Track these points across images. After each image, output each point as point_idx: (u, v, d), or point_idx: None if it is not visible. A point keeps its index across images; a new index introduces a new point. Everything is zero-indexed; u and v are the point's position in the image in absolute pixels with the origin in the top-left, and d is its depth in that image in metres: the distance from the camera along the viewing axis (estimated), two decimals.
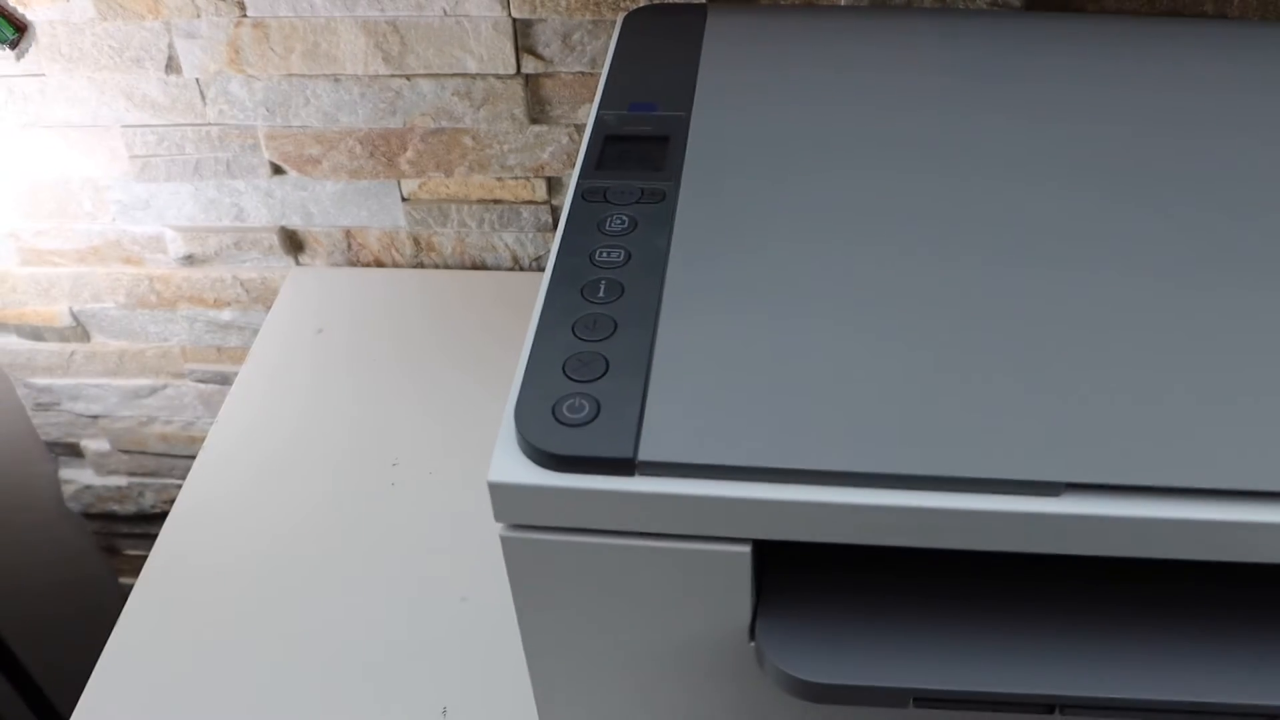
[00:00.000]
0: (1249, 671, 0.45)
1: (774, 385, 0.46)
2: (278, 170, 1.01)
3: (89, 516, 1.34)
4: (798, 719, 0.52)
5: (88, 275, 1.10)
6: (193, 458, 1.23)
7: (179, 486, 1.29)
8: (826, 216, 0.55)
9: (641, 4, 0.85)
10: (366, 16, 0.90)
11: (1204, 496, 0.43)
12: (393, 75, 0.93)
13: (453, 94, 0.94)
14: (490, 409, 0.91)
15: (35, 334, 1.15)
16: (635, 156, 0.60)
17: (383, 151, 0.99)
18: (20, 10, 0.92)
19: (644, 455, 0.44)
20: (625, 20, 0.73)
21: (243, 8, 0.91)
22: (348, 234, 1.05)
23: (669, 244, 0.54)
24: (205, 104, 0.97)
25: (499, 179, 1.00)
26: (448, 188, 1.01)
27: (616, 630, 0.50)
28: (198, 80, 0.95)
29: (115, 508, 1.33)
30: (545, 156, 0.97)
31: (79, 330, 1.15)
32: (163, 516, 1.32)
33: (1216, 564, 0.44)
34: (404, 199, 1.02)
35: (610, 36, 0.88)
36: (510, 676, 0.73)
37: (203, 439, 1.14)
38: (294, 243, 1.06)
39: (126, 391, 1.20)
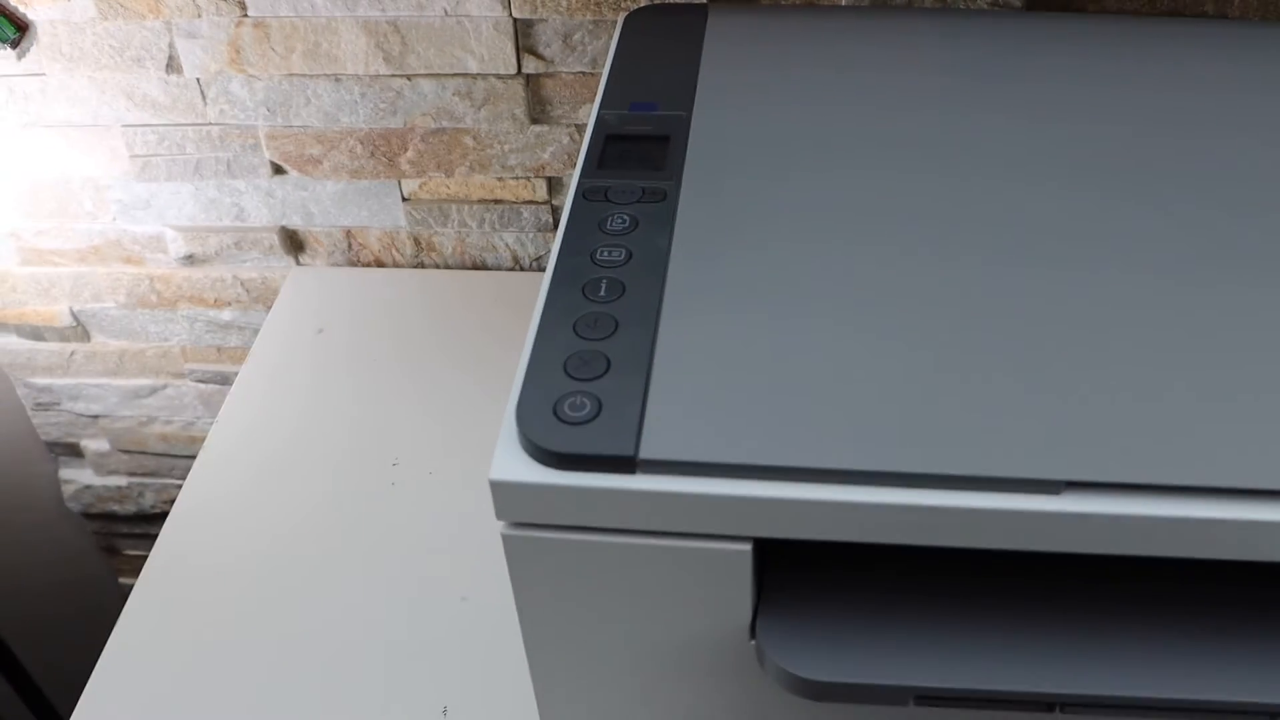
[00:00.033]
0: (1249, 669, 0.45)
1: (775, 384, 0.46)
2: (278, 170, 1.01)
3: (89, 516, 1.34)
4: (799, 717, 0.52)
5: (88, 275, 1.10)
6: (193, 458, 1.23)
7: (179, 486, 1.29)
8: (827, 216, 0.55)
9: (642, 4, 0.85)
10: (367, 16, 0.90)
11: (1204, 495, 0.43)
12: (393, 75, 0.93)
13: (453, 94, 0.94)
14: (490, 409, 0.91)
15: (35, 334, 1.15)
16: (636, 156, 0.60)
17: (383, 151, 0.99)
18: (21, 9, 0.92)
19: (645, 453, 0.44)
20: (626, 20, 0.73)
21: (244, 7, 0.91)
22: (348, 234, 1.05)
23: (670, 243, 0.54)
24: (206, 104, 0.97)
25: (499, 179, 1.00)
26: (448, 188, 1.01)
27: (617, 629, 0.50)
28: (198, 80, 0.95)
29: (115, 508, 1.33)
30: (546, 156, 0.97)
31: (79, 330, 1.15)
32: (162, 517, 1.32)
33: (1216, 562, 0.44)
34: (404, 199, 1.02)
35: (611, 36, 0.88)
36: (510, 676, 0.73)
37: (203, 439, 1.14)
38: (294, 243, 1.06)
39: (126, 391, 1.20)
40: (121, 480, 1.30)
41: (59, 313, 1.13)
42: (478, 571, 0.79)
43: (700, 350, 0.48)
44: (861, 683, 0.45)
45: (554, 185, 1.00)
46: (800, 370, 0.47)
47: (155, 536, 1.31)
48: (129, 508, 1.32)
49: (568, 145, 0.96)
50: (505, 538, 0.47)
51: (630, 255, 0.53)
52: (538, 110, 0.95)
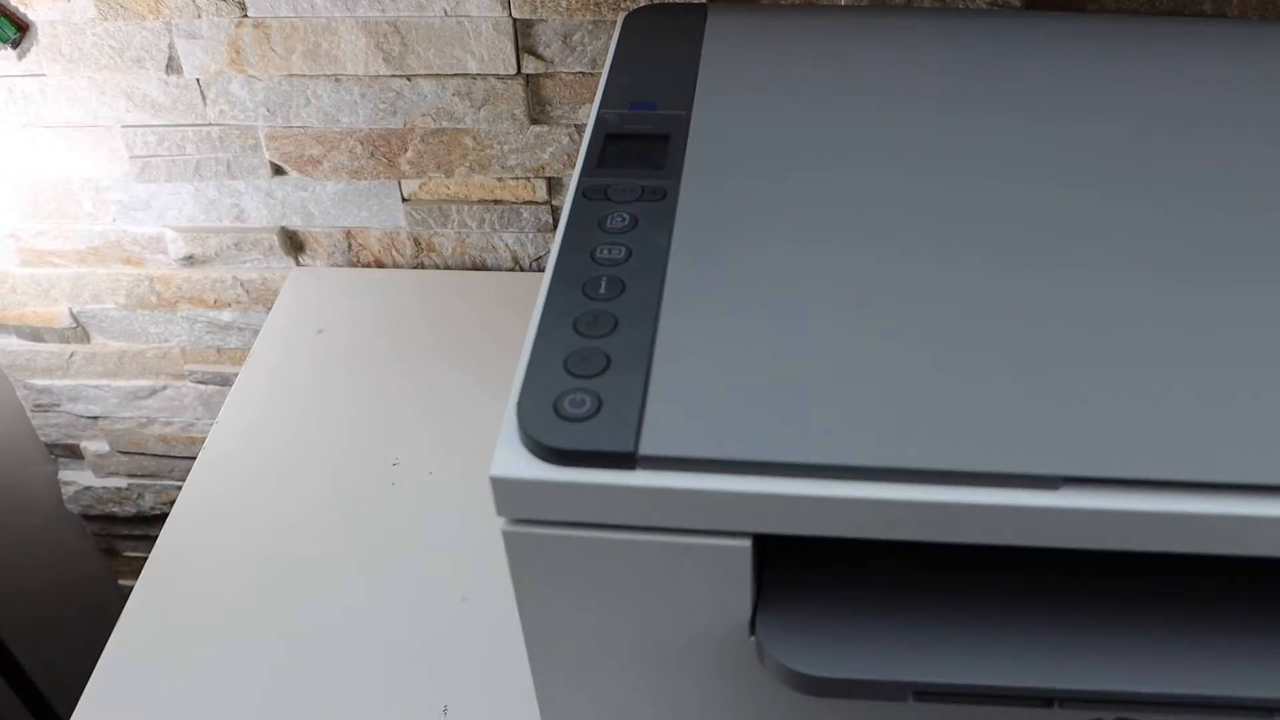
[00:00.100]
0: (1246, 664, 0.45)
1: (774, 381, 0.46)
2: (278, 171, 1.01)
3: (88, 518, 1.34)
4: (798, 713, 0.52)
5: (88, 276, 1.10)
6: (192, 459, 1.24)
7: (178, 488, 1.29)
8: (826, 215, 0.55)
9: (642, 4, 0.86)
10: (367, 17, 0.90)
11: (1201, 490, 0.43)
12: (393, 75, 0.94)
13: (453, 94, 0.94)
14: (490, 409, 0.91)
15: (35, 335, 1.15)
16: (636, 155, 0.60)
17: (383, 152, 0.99)
18: (22, 10, 0.92)
19: (645, 449, 0.44)
20: (626, 20, 0.73)
21: (243, 8, 0.91)
22: (348, 234, 1.05)
23: (669, 241, 0.54)
24: (206, 104, 0.97)
25: (499, 179, 1.00)
26: (448, 188, 1.01)
27: (617, 625, 0.50)
28: (198, 80, 0.96)
29: (114, 509, 1.33)
30: (545, 157, 0.98)
31: (79, 331, 1.15)
32: (162, 518, 1.32)
33: (1214, 558, 0.44)
34: (404, 199, 1.02)
35: (611, 36, 0.88)
36: (510, 675, 0.73)
37: (202, 440, 1.15)
38: (294, 243, 1.06)
39: (126, 393, 1.20)
40: (121, 482, 1.30)
41: (59, 314, 1.13)
42: (478, 571, 0.79)
43: (700, 347, 0.48)
44: (861, 678, 0.46)
45: (554, 185, 1.00)
46: (799, 367, 0.47)
47: (155, 538, 1.31)
48: (128, 509, 1.32)
49: (567, 145, 0.96)
50: (506, 534, 0.47)
51: (630, 253, 0.53)
52: (537, 110, 0.95)
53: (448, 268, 1.07)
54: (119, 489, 1.31)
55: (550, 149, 0.97)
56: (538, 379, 0.47)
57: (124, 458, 1.27)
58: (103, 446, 1.26)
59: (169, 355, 1.16)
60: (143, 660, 0.75)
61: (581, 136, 0.95)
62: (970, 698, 0.46)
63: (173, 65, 0.95)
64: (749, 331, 0.49)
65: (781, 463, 0.44)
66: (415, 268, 1.07)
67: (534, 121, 0.95)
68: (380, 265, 1.07)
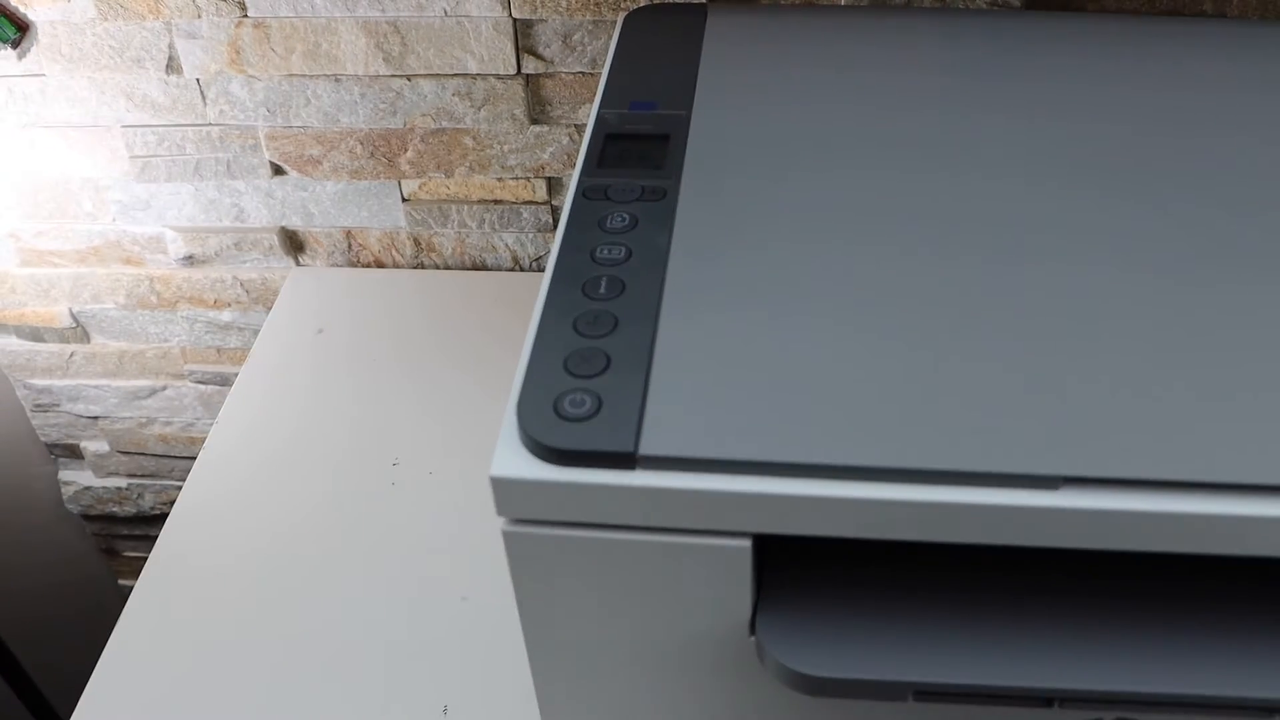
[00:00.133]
0: (1246, 664, 0.45)
1: (774, 380, 0.46)
2: (278, 170, 1.01)
3: (88, 518, 1.34)
4: (798, 713, 0.52)
5: (87, 276, 1.10)
6: (192, 459, 1.24)
7: (178, 488, 1.29)
8: (826, 215, 0.55)
9: (642, 4, 0.86)
10: (367, 17, 0.90)
11: (1201, 490, 0.43)
12: (393, 75, 0.94)
13: (453, 94, 0.94)
14: (490, 409, 0.91)
15: (35, 335, 1.15)
16: (636, 154, 0.60)
17: (383, 152, 0.99)
18: (21, 10, 0.92)
19: (645, 449, 0.44)
20: (626, 20, 0.73)
21: (243, 8, 0.91)
22: (348, 234, 1.05)
23: (669, 241, 0.54)
24: (206, 104, 0.97)
25: (499, 179, 1.00)
26: (448, 188, 1.01)
27: (617, 625, 0.50)
28: (198, 80, 0.96)
29: (114, 509, 1.33)
30: (545, 157, 0.98)
31: (79, 331, 1.15)
32: (162, 518, 1.32)
33: (1213, 557, 0.44)
34: (404, 199, 1.02)
35: (611, 37, 0.88)
36: (510, 675, 0.73)
37: (202, 440, 1.15)
38: (294, 243, 1.06)
39: (126, 393, 1.20)
40: (121, 481, 1.30)
41: (58, 314, 1.13)
42: (478, 571, 0.79)
43: (700, 348, 0.48)
44: (861, 678, 0.46)
45: (554, 185, 1.00)
46: (799, 367, 0.47)
47: (155, 538, 1.31)
48: (128, 509, 1.32)
49: (567, 145, 0.96)
50: (506, 534, 0.47)
51: (630, 253, 0.53)
52: (537, 110, 0.95)
53: (448, 268, 1.07)
54: (119, 489, 1.31)
55: (550, 149, 0.97)
56: (538, 379, 0.47)
57: (124, 458, 1.27)
58: (103, 446, 1.26)
59: (169, 355, 1.16)
60: (143, 660, 0.75)
61: (581, 136, 0.95)
62: (970, 698, 0.46)
63: (173, 65, 0.95)
64: (749, 331, 0.49)
65: (781, 463, 0.44)
66: (415, 268, 1.07)
67: (534, 121, 0.95)
68: (380, 265, 1.07)
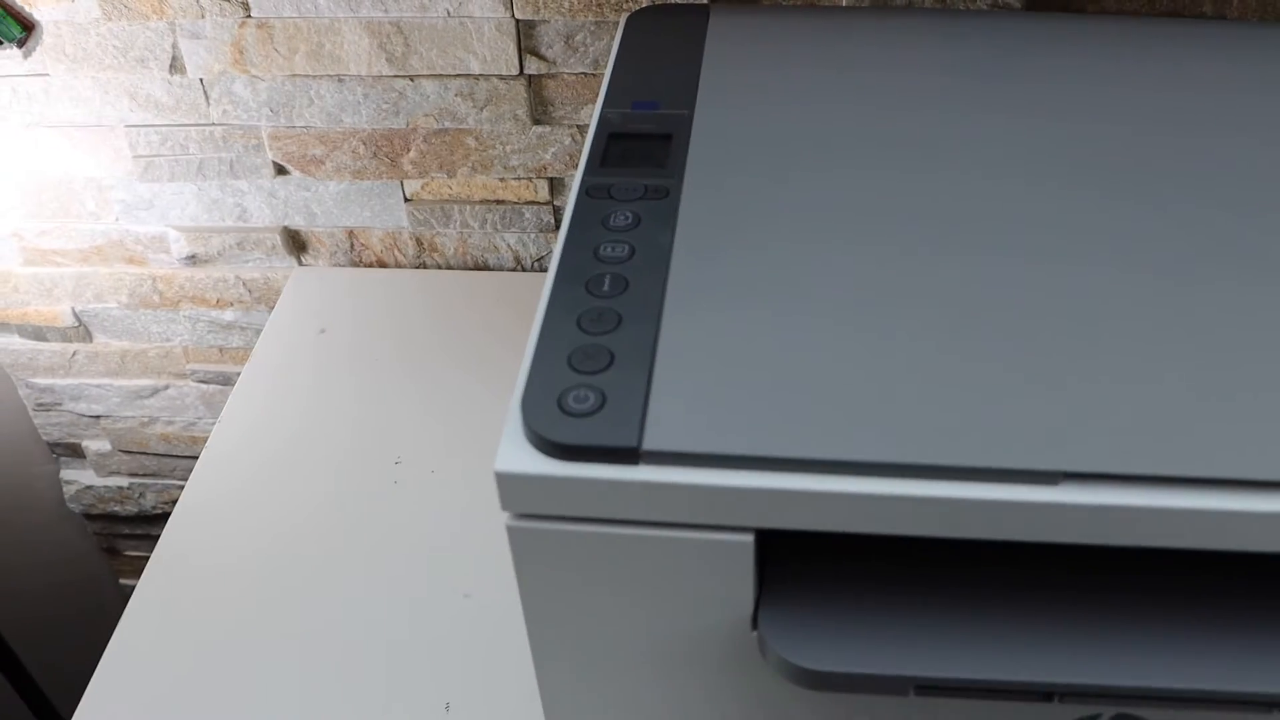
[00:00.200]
0: (1246, 659, 0.46)
1: (776, 377, 0.47)
2: (281, 170, 1.01)
3: (90, 517, 1.34)
4: (800, 707, 0.52)
5: (90, 275, 1.10)
6: (194, 458, 1.24)
7: (180, 487, 1.29)
8: (827, 214, 0.55)
9: (644, 5, 0.86)
10: (370, 17, 0.91)
11: (1201, 486, 0.43)
12: (396, 76, 0.94)
13: (456, 95, 0.95)
14: (492, 408, 0.91)
15: (37, 334, 1.15)
16: (639, 154, 0.60)
17: (386, 152, 0.99)
18: (27, 10, 0.92)
19: (648, 444, 0.44)
20: (628, 21, 0.73)
21: (247, 8, 0.91)
22: (350, 234, 1.05)
23: (672, 239, 0.54)
24: (209, 104, 0.97)
25: (501, 179, 1.00)
26: (450, 188, 1.01)
27: (620, 619, 0.50)
28: (202, 80, 0.96)
29: (116, 508, 1.33)
30: (548, 157, 0.98)
31: (81, 330, 1.15)
32: (163, 517, 1.32)
33: (1213, 553, 0.44)
34: (406, 199, 1.02)
35: (613, 37, 0.89)
36: (512, 672, 0.73)
37: (204, 440, 1.15)
38: (297, 243, 1.06)
39: (128, 392, 1.20)
40: (123, 481, 1.30)
41: (61, 313, 1.14)
42: (480, 568, 0.79)
43: (702, 344, 0.48)
44: (862, 673, 0.46)
45: (556, 186, 1.00)
46: (801, 364, 0.47)
47: (156, 537, 1.31)
48: (130, 508, 1.33)
49: (569, 146, 0.97)
50: (510, 529, 0.47)
51: (633, 251, 0.53)
52: (540, 111, 0.95)
53: (450, 268, 1.07)
54: (121, 488, 1.31)
55: (552, 149, 0.97)
56: (542, 375, 0.47)
57: (126, 457, 1.27)
58: (104, 446, 1.26)
59: (171, 354, 1.16)
60: (145, 659, 0.76)
61: (583, 137, 0.95)
62: (971, 692, 0.46)
63: (176, 65, 0.95)
64: (751, 328, 0.49)
65: (784, 458, 0.44)
66: (417, 268, 1.07)
67: (536, 122, 0.96)
68: (382, 265, 1.08)
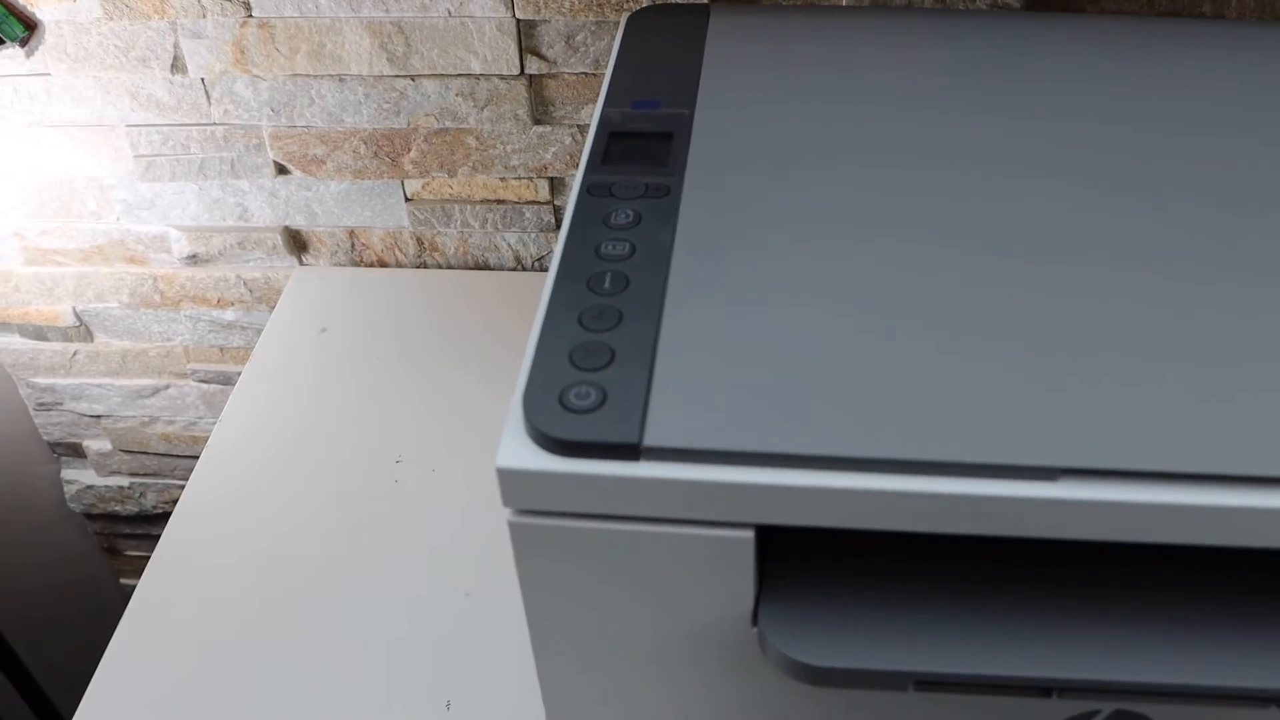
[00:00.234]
0: (1246, 655, 0.46)
1: (776, 374, 0.47)
2: (282, 170, 1.01)
3: (90, 517, 1.35)
4: (800, 703, 0.52)
5: (91, 275, 1.10)
6: (194, 458, 1.24)
7: (180, 487, 1.29)
8: (828, 212, 0.56)
9: (645, 4, 0.86)
10: (371, 17, 0.91)
11: (1200, 481, 0.43)
12: (397, 76, 0.94)
13: (456, 94, 0.95)
14: (493, 407, 0.91)
15: (38, 333, 1.16)
16: (639, 152, 0.60)
17: (386, 152, 0.99)
18: (29, 9, 0.93)
19: (649, 440, 0.44)
20: (629, 20, 0.73)
21: (248, 8, 0.91)
22: (351, 234, 1.06)
23: (673, 238, 0.54)
24: (210, 104, 0.98)
25: (502, 179, 1.00)
26: (451, 188, 1.02)
27: (620, 615, 0.50)
28: (203, 80, 0.96)
29: (117, 508, 1.33)
30: (548, 157, 0.98)
31: (82, 330, 1.15)
32: (164, 517, 1.32)
33: (1213, 549, 0.45)
34: (407, 199, 1.03)
35: (613, 37, 0.89)
36: (513, 670, 0.73)
37: (204, 439, 1.15)
38: (297, 242, 1.07)
39: (129, 391, 1.20)
40: (123, 480, 1.30)
41: (62, 312, 1.14)
42: (480, 567, 0.79)
43: (703, 341, 0.48)
44: (862, 668, 0.46)
45: (556, 185, 1.00)
46: (801, 360, 0.47)
47: (157, 537, 1.32)
48: (131, 508, 1.33)
49: (570, 146, 0.97)
50: (512, 525, 0.47)
51: (634, 249, 0.53)
52: (540, 111, 0.95)
53: (450, 267, 1.07)
54: (121, 488, 1.31)
55: (553, 149, 0.97)
56: (543, 371, 0.47)
57: (126, 457, 1.27)
58: (105, 445, 1.27)
59: (172, 354, 1.17)
60: (145, 659, 0.76)
61: (584, 137, 0.95)
62: (970, 687, 0.46)
63: (178, 65, 0.95)
64: (751, 325, 0.49)
65: (784, 454, 0.44)
66: (418, 267, 1.08)
67: (537, 122, 0.96)
68: (383, 265, 1.08)
